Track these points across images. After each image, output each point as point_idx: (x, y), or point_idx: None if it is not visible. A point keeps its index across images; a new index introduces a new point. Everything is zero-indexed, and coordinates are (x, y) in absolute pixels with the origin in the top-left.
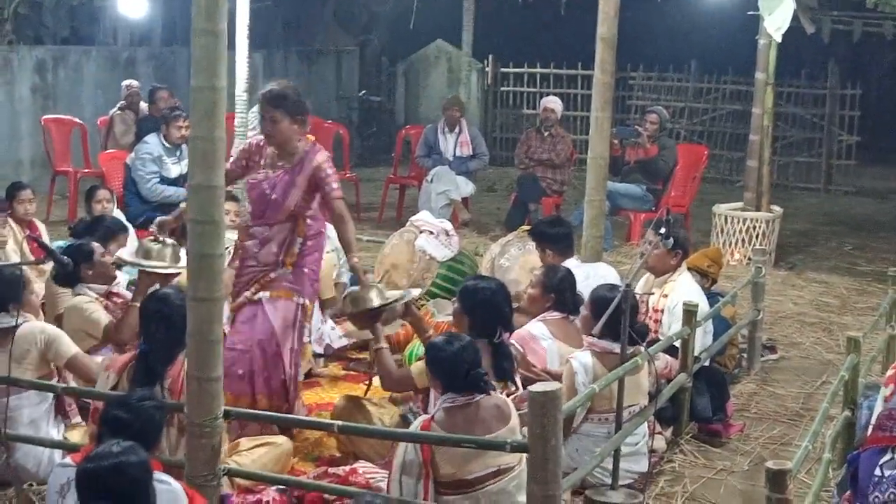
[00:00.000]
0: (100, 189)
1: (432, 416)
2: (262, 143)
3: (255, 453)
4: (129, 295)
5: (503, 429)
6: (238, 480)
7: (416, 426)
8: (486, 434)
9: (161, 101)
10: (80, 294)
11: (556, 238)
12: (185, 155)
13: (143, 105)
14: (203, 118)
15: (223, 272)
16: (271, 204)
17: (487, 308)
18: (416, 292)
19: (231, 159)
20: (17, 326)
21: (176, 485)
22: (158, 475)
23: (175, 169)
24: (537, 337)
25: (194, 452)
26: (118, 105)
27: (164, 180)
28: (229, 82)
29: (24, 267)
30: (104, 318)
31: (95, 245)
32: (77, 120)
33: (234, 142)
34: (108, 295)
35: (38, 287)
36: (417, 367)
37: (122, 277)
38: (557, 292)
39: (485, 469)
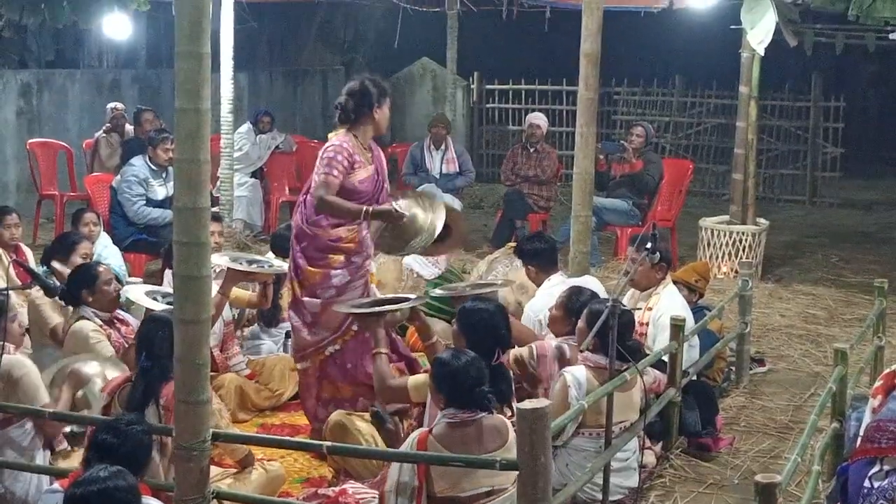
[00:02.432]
0: (86, 212)
1: (430, 430)
2: (348, 145)
3: (248, 478)
4: (134, 322)
5: (500, 450)
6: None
7: (411, 440)
8: (482, 454)
9: (146, 123)
10: (84, 318)
11: (536, 253)
12: (171, 177)
13: (129, 127)
14: (187, 140)
15: (210, 293)
16: (383, 190)
17: (485, 329)
18: (423, 298)
19: (334, 172)
20: None
21: None
22: (147, 499)
23: (161, 191)
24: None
25: (183, 476)
26: (103, 128)
27: (151, 202)
28: (214, 104)
29: (7, 294)
30: (107, 350)
31: (102, 270)
32: (63, 143)
33: (221, 163)
34: (113, 322)
35: (22, 312)
36: (415, 379)
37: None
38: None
39: (478, 488)
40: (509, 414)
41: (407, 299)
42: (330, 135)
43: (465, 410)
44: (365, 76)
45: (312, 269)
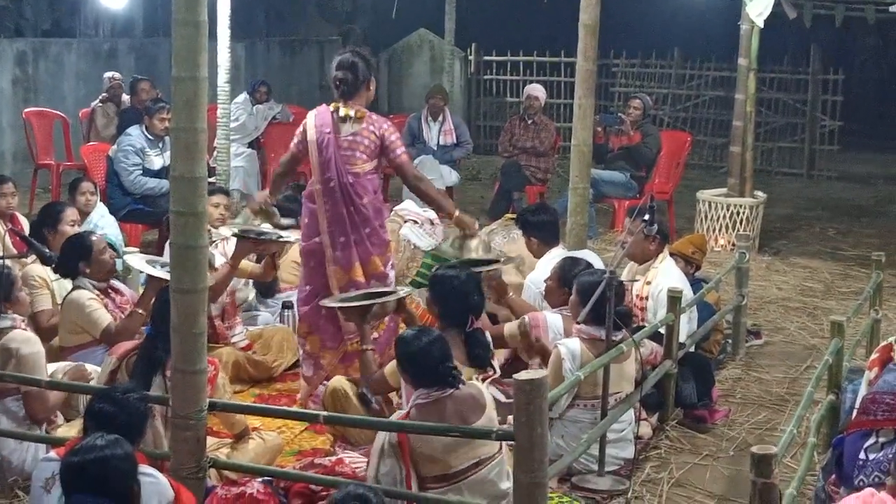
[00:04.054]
0: (83, 181)
1: (406, 414)
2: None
3: (245, 447)
4: (129, 292)
5: (481, 418)
6: (224, 472)
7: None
8: (463, 422)
9: (143, 93)
10: (80, 287)
11: (539, 225)
12: (168, 147)
13: (125, 97)
14: (184, 109)
15: (207, 263)
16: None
17: (456, 297)
18: (409, 289)
19: (402, 141)
20: (11, 328)
21: (161, 477)
22: (144, 468)
23: (158, 161)
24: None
25: (179, 445)
26: (100, 97)
27: (147, 172)
28: (211, 73)
29: (9, 262)
30: (105, 318)
31: (95, 239)
32: (59, 112)
33: (217, 132)
34: (108, 291)
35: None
36: (390, 367)
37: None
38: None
39: (467, 461)
40: (491, 373)
41: (394, 292)
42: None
43: (434, 388)
44: (351, 48)
45: (379, 256)
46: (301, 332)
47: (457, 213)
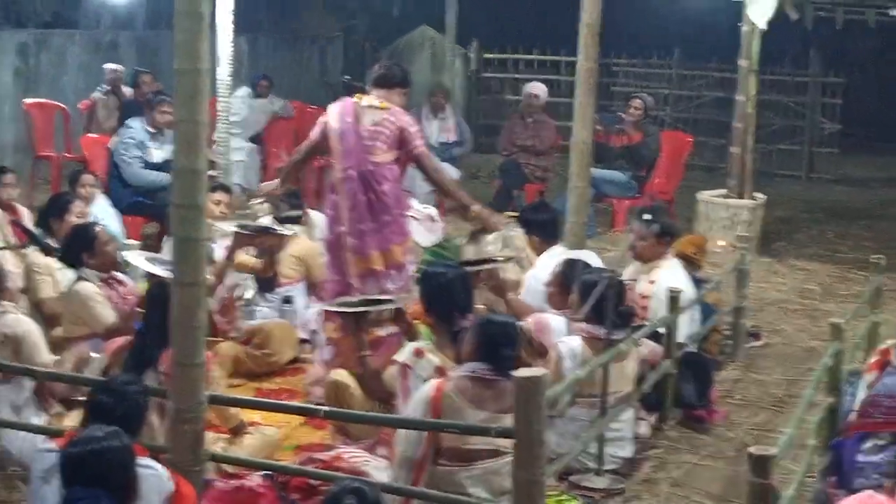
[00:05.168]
0: (84, 174)
1: (445, 380)
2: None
3: (242, 441)
4: (130, 283)
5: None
6: (223, 466)
7: (426, 390)
8: (498, 409)
9: (144, 85)
10: (84, 279)
11: (539, 224)
12: (169, 140)
13: (127, 89)
14: (186, 101)
15: (206, 256)
16: None
17: (442, 295)
18: (406, 296)
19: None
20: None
21: (161, 469)
22: (144, 460)
23: (158, 154)
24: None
25: (178, 438)
26: (101, 89)
27: (148, 165)
28: (213, 66)
29: (1, 254)
30: (110, 314)
31: (99, 230)
32: (59, 104)
33: (218, 126)
34: (110, 282)
35: (16, 273)
36: (390, 372)
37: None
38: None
39: (485, 444)
40: None
41: (391, 301)
42: (356, 98)
43: (488, 369)
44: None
45: (399, 245)
46: (325, 318)
47: (475, 206)
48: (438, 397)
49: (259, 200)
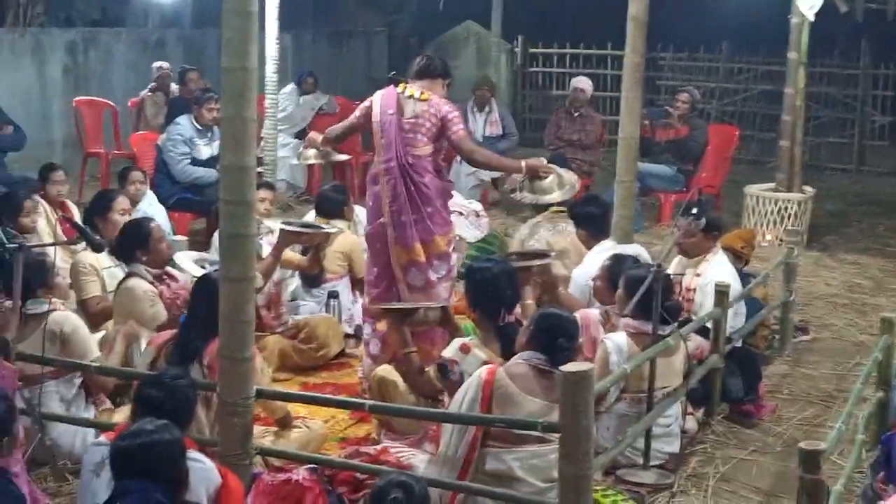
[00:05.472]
0: (132, 170)
1: (501, 364)
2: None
3: (290, 435)
4: (183, 277)
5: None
6: (270, 459)
7: (479, 374)
8: (552, 399)
9: (191, 83)
10: (135, 275)
11: (590, 218)
12: (217, 136)
13: (174, 86)
14: (234, 99)
15: (255, 252)
16: None
17: (486, 290)
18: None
19: (461, 120)
20: (48, 312)
21: (209, 463)
22: (192, 453)
23: (206, 150)
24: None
25: (227, 431)
26: (149, 87)
27: (195, 161)
28: (259, 64)
29: (52, 250)
30: (161, 314)
31: (154, 227)
32: (108, 101)
33: (265, 123)
34: (162, 277)
35: (65, 269)
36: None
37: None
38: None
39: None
40: None
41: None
42: (398, 88)
43: (544, 360)
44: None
45: (441, 237)
46: (371, 312)
47: (522, 162)
48: (490, 381)
49: (308, 150)
